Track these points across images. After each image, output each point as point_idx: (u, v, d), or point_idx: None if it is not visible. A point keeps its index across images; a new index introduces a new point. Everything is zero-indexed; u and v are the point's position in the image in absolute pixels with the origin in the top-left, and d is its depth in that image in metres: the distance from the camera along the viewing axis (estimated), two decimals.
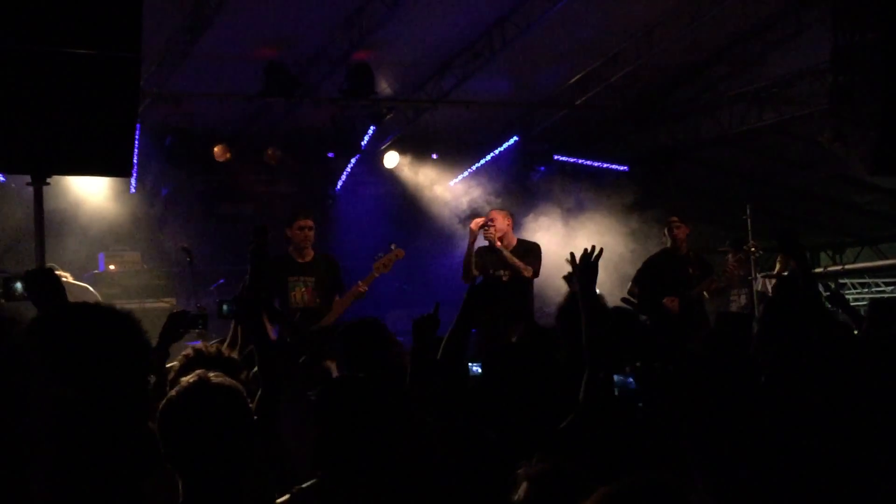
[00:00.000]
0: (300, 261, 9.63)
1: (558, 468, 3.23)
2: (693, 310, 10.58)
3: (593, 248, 4.87)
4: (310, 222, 9.70)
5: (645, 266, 11.23)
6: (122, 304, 11.31)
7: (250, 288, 6.57)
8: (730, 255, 11.68)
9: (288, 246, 9.69)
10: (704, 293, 10.83)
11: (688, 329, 9.82)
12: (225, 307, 6.92)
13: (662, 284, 10.80)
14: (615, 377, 4.66)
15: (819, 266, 18.50)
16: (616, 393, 4.68)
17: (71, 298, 5.12)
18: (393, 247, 10.17)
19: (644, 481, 2.23)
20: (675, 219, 11.06)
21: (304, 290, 9.48)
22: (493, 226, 10.57)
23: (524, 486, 3.18)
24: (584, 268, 4.79)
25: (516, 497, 3.17)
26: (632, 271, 11.27)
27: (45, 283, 5.08)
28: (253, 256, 6.69)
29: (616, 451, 3.98)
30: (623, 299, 9.21)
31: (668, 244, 11.05)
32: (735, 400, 3.41)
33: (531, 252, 10.72)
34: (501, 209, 11.27)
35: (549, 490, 3.15)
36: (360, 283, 9.65)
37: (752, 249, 11.41)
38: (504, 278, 10.41)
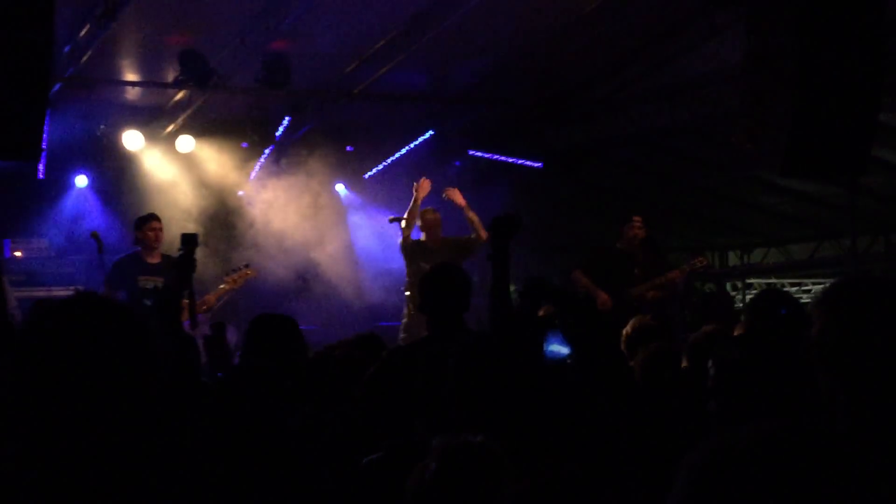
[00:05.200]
0: (149, 261, 9.83)
1: (468, 443, 3.20)
2: (627, 310, 9.95)
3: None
4: (161, 224, 10.07)
5: (594, 256, 11.20)
6: (30, 291, 11.13)
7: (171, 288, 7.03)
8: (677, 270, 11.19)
9: (138, 246, 10.07)
10: (647, 296, 10.69)
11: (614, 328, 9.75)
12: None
13: (606, 279, 10.72)
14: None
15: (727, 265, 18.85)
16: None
17: None
18: (245, 266, 10.61)
19: None
20: (638, 219, 10.96)
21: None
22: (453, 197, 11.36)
23: (433, 459, 3.16)
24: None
25: (426, 469, 3.16)
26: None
27: None
28: (182, 262, 6.78)
29: (534, 425, 3.84)
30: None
31: (622, 243, 10.97)
32: None
33: (463, 239, 11.25)
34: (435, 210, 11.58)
35: (458, 464, 3.13)
36: (207, 296, 9.92)
37: (701, 265, 11.24)
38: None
